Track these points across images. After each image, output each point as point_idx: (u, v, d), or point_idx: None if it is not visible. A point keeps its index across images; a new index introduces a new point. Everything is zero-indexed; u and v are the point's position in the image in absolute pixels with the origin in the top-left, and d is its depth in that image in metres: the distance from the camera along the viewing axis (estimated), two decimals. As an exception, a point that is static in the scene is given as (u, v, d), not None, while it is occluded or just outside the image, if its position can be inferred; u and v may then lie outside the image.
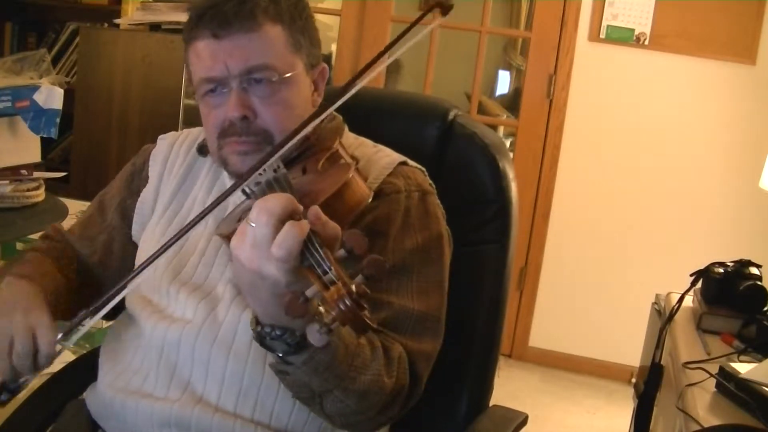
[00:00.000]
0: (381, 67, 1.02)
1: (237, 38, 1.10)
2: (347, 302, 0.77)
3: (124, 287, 0.99)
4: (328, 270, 0.81)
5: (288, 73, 1.14)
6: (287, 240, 0.83)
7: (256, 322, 0.94)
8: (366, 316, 0.78)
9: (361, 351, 1.00)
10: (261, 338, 0.93)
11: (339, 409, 1.01)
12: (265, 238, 0.84)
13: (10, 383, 1.05)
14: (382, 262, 0.80)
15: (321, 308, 0.79)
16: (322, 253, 0.82)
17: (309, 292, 0.80)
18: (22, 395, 1.14)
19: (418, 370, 1.10)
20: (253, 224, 0.85)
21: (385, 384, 1.03)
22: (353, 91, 1.01)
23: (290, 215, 0.85)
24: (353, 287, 0.78)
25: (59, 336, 1.03)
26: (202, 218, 1.00)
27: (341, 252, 0.83)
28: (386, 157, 1.22)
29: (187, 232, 1.00)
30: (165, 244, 0.99)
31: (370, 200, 1.02)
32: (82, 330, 1.02)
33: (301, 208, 0.86)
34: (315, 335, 0.78)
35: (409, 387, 1.08)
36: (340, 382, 0.98)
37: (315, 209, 0.86)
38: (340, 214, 0.93)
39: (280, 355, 0.93)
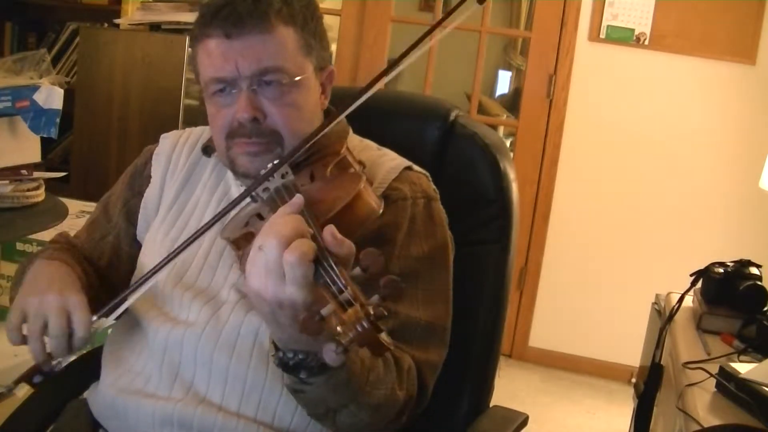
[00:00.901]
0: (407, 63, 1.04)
1: (249, 39, 1.09)
2: (365, 325, 0.75)
3: (157, 270, 1.01)
4: (343, 288, 0.79)
5: (298, 75, 1.13)
6: (301, 246, 0.81)
7: (276, 348, 0.93)
8: (383, 339, 0.77)
9: (376, 365, 1.00)
10: (283, 364, 0.92)
11: (352, 423, 1.01)
12: (277, 261, 0.83)
13: (44, 365, 1.02)
14: (399, 283, 0.78)
15: (338, 328, 0.77)
16: (337, 271, 0.81)
17: (324, 311, 0.79)
18: (23, 395, 1.13)
19: (426, 381, 1.10)
20: (263, 250, 0.84)
21: (398, 396, 1.03)
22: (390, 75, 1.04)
23: (300, 236, 0.83)
24: (371, 309, 0.76)
25: (94, 318, 1.02)
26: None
27: (357, 270, 0.81)
28: (391, 161, 1.21)
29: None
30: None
31: (380, 212, 0.99)
32: (117, 313, 1.01)
33: (310, 231, 0.85)
34: (331, 355, 0.77)
35: (416, 397, 1.08)
36: (357, 398, 0.97)
37: (330, 228, 0.84)
38: (349, 226, 0.91)
39: (302, 377, 0.92)
